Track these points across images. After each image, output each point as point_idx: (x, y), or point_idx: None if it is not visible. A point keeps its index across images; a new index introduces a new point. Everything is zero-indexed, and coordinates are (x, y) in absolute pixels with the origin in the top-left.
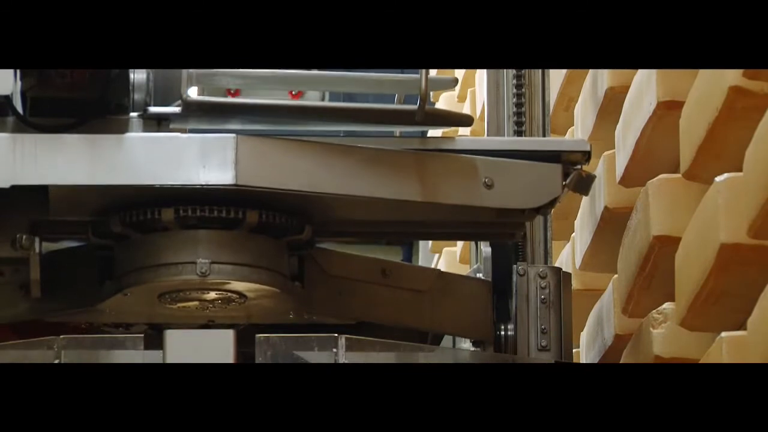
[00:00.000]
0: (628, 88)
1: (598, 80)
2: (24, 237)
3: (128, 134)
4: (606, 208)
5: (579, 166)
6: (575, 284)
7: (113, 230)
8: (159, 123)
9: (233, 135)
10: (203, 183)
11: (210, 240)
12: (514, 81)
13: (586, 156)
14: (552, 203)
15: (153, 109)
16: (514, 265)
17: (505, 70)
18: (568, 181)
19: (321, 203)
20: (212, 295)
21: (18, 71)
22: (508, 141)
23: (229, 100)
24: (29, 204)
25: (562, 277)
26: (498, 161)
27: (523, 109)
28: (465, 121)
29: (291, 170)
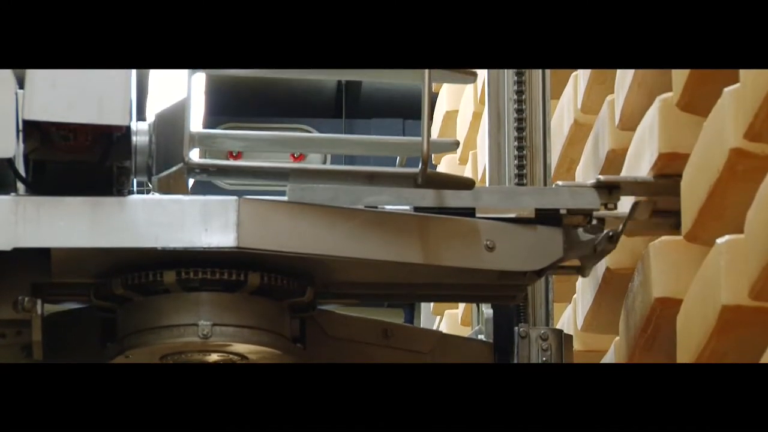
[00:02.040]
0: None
1: (599, 142)
2: (26, 299)
3: (130, 197)
4: (607, 269)
5: (608, 232)
6: (577, 345)
7: (115, 292)
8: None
9: (235, 197)
10: (205, 246)
11: (212, 302)
12: (516, 143)
13: (588, 218)
14: (553, 266)
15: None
16: (516, 327)
17: (506, 133)
18: (597, 241)
19: (323, 265)
20: (214, 356)
21: (20, 134)
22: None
23: (231, 162)
24: (31, 266)
25: (563, 339)
26: (499, 224)
27: (525, 171)
28: (466, 183)
29: (293, 233)
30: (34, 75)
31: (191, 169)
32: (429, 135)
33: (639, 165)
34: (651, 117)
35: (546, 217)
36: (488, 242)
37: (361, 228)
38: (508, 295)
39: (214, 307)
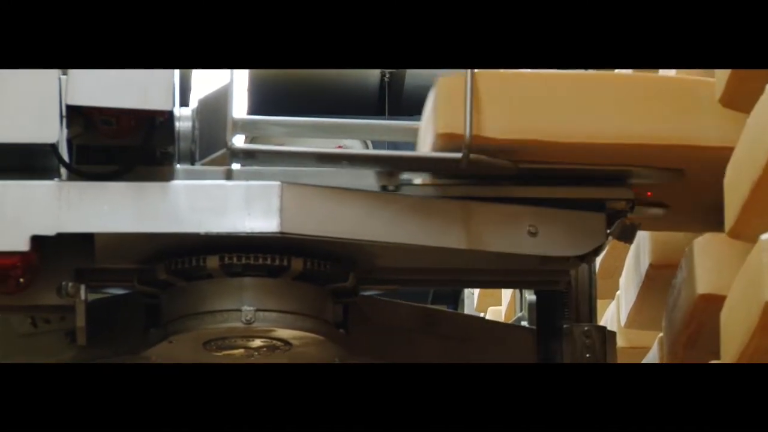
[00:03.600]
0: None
1: None
2: (70, 284)
3: (173, 182)
4: (651, 265)
5: (623, 215)
6: (620, 342)
7: (158, 277)
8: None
9: (278, 183)
10: (248, 231)
11: (255, 287)
12: None
13: (630, 204)
14: (596, 251)
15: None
16: (559, 324)
17: None
18: (612, 229)
19: (365, 251)
20: (257, 342)
21: (64, 120)
22: (553, 189)
23: (274, 147)
24: (75, 251)
25: (606, 336)
26: (542, 209)
27: None
28: (509, 169)
29: (336, 218)
30: None
31: (234, 154)
32: (472, 120)
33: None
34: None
35: (589, 201)
36: (531, 227)
37: (404, 213)
38: (551, 280)
39: (257, 292)
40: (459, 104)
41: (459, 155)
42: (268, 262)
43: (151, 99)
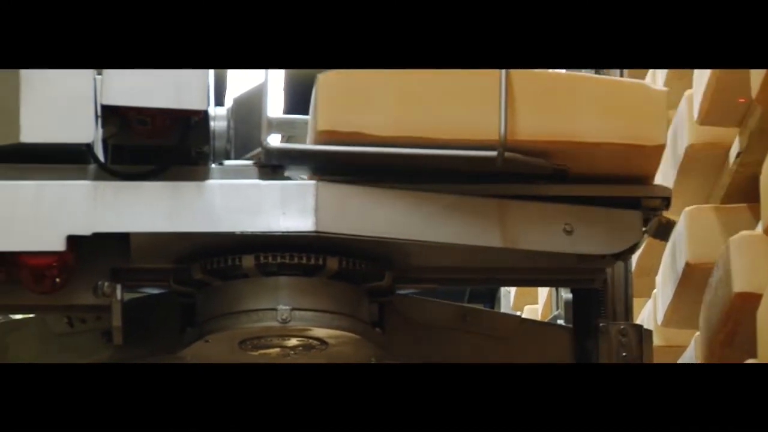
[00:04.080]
0: (708, 144)
1: (677, 137)
2: (106, 284)
3: (208, 181)
4: (687, 264)
5: (659, 213)
6: (657, 340)
7: (194, 277)
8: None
9: (313, 181)
10: (283, 230)
11: (290, 287)
12: None
13: (666, 202)
14: (632, 249)
15: (229, 163)
16: (595, 322)
17: None
18: (648, 227)
19: (401, 250)
20: (293, 341)
21: (98, 119)
22: (587, 188)
23: (310, 147)
24: (110, 251)
25: (643, 334)
26: (577, 208)
27: None
28: (546, 168)
29: (372, 217)
30: None
31: (269, 153)
32: (506, 117)
33: None
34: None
35: (624, 199)
36: (566, 226)
37: (441, 212)
38: (587, 278)
39: (292, 291)
40: (340, 101)
41: (494, 154)
42: (304, 261)
43: (186, 98)
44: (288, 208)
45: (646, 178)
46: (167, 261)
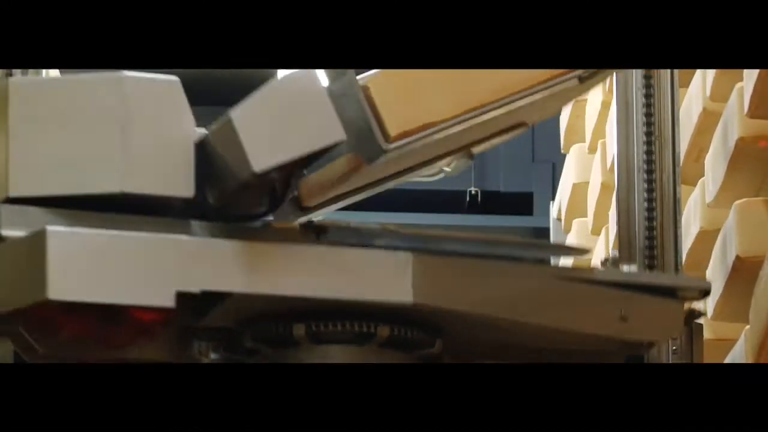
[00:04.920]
0: (758, 137)
1: (728, 130)
2: (202, 344)
3: (308, 246)
4: (737, 257)
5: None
6: (707, 334)
7: (245, 345)
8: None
9: (410, 253)
10: (380, 300)
11: (341, 355)
12: (644, 132)
13: (703, 294)
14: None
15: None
16: None
17: (635, 122)
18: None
19: (455, 319)
20: None
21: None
22: (634, 274)
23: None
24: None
25: (693, 328)
26: (630, 295)
27: (653, 158)
28: (579, 251)
29: (467, 290)
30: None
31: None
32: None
33: None
34: None
35: (664, 289)
36: (622, 311)
37: (532, 289)
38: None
39: (343, 360)
40: (397, 103)
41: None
42: (355, 329)
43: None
44: (385, 277)
45: None
46: (231, 322)
